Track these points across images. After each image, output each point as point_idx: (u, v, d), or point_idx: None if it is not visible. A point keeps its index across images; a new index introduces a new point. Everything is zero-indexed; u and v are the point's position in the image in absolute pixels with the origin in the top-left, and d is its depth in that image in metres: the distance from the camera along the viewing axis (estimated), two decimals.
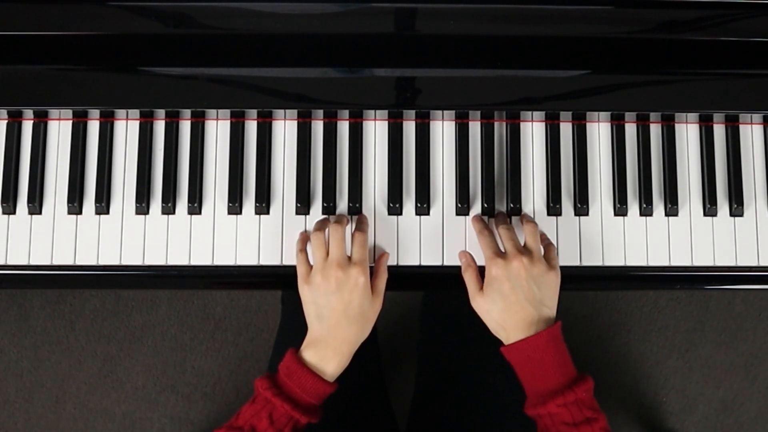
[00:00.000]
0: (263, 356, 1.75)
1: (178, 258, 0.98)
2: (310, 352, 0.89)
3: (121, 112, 0.99)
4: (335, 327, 0.89)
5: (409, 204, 0.99)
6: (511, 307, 0.88)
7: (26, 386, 1.76)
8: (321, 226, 0.95)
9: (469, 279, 0.93)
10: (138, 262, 0.98)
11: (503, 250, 0.92)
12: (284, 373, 0.88)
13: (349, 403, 1.07)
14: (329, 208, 0.98)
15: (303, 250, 0.94)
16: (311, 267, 0.92)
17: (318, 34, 0.95)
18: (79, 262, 0.97)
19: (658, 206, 1.00)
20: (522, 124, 1.01)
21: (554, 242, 0.99)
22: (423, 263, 0.98)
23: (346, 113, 1.00)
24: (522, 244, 0.93)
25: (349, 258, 0.91)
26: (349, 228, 0.97)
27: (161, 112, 0.99)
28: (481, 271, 0.94)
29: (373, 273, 0.94)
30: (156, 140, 1.00)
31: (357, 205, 0.98)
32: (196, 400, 1.76)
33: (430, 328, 1.26)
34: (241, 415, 0.87)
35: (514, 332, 0.88)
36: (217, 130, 1.00)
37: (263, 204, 0.98)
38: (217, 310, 1.77)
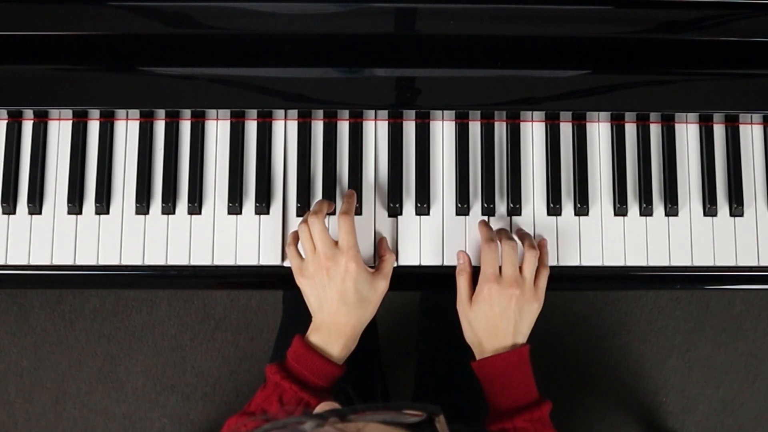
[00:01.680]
0: (263, 356, 1.75)
1: (178, 258, 0.98)
2: (315, 337, 0.91)
3: (121, 112, 0.99)
4: (336, 314, 0.89)
5: (409, 204, 0.99)
6: (491, 329, 0.91)
7: (26, 386, 1.76)
8: (306, 217, 0.95)
9: (462, 284, 0.94)
10: (138, 262, 0.98)
11: (500, 266, 0.92)
12: (292, 358, 0.89)
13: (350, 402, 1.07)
14: None
15: (291, 244, 0.95)
16: (303, 259, 0.93)
17: (318, 34, 0.95)
18: (79, 262, 0.97)
19: (658, 206, 1.00)
20: (522, 124, 1.01)
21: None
22: (423, 263, 0.98)
23: (346, 113, 1.00)
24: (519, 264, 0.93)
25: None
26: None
27: (161, 112, 0.99)
28: (475, 270, 0.94)
29: (377, 259, 0.95)
30: (156, 140, 1.00)
31: (357, 205, 0.98)
32: (196, 400, 1.76)
33: (429, 328, 1.26)
34: (253, 401, 0.88)
35: (488, 350, 0.91)
36: (217, 130, 1.00)
37: (263, 204, 0.98)
38: (217, 310, 1.76)
